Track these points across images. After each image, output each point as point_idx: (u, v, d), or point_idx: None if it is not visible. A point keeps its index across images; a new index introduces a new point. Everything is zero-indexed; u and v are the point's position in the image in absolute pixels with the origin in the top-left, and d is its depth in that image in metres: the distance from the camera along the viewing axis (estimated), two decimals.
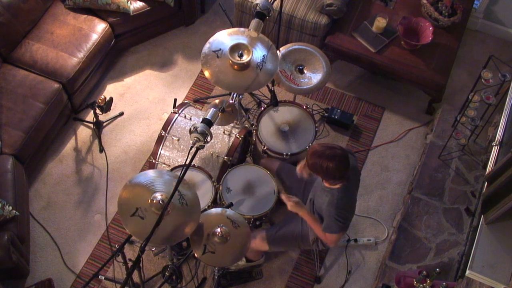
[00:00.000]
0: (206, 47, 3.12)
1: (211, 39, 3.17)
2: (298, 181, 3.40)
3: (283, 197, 3.15)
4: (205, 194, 3.35)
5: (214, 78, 3.13)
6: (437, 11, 4.31)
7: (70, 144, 4.17)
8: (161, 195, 2.72)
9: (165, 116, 4.18)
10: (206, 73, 3.11)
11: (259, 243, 3.33)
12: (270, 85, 3.83)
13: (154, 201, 2.71)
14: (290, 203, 3.09)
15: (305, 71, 3.71)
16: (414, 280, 3.13)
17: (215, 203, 3.37)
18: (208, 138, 2.66)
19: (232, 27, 3.55)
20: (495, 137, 3.08)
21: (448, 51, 4.28)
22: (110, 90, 4.46)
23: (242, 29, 3.26)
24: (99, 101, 3.88)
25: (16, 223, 3.38)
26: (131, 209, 2.69)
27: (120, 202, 2.73)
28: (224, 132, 3.57)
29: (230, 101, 3.54)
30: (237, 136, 3.55)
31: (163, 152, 3.52)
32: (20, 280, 3.59)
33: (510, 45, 4.84)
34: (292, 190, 3.42)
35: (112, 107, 4.06)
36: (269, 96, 4.03)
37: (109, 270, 3.65)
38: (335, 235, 2.97)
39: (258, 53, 3.18)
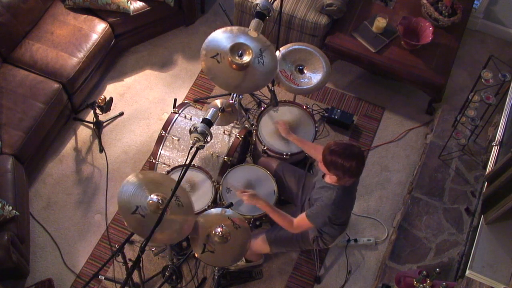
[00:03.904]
0: (203, 54, 3.11)
1: (204, 45, 3.15)
2: (297, 180, 3.41)
3: (238, 193, 3.17)
4: (205, 194, 3.35)
5: (215, 80, 3.14)
6: (437, 11, 4.31)
7: (70, 144, 4.17)
8: (158, 196, 2.72)
9: (165, 116, 4.18)
10: (206, 72, 3.11)
11: (260, 245, 3.34)
12: (270, 85, 3.83)
13: (151, 202, 2.71)
14: (245, 197, 3.10)
15: (305, 71, 3.71)
16: (414, 280, 3.13)
17: (215, 203, 3.36)
18: (208, 138, 2.66)
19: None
20: (495, 137, 3.07)
21: (448, 51, 4.28)
22: (110, 90, 4.46)
23: (235, 27, 3.26)
24: (99, 101, 3.89)
25: (16, 223, 3.37)
26: (131, 207, 2.69)
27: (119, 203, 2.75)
28: (224, 132, 3.57)
29: (230, 101, 3.55)
30: (237, 136, 3.55)
31: (163, 152, 3.52)
32: (20, 280, 3.59)
33: (510, 45, 4.84)
34: (290, 189, 3.42)
35: (112, 107, 4.06)
36: (269, 96, 4.03)
37: (109, 270, 3.65)
38: (307, 225, 2.99)
39: (255, 48, 3.17)
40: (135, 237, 3.64)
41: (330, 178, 2.94)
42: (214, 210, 3.06)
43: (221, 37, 3.18)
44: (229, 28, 3.24)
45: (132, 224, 2.66)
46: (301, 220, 3.01)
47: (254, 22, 3.09)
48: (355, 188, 3.05)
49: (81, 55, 4.07)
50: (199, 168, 3.42)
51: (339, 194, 2.88)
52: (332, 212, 2.89)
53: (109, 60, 4.45)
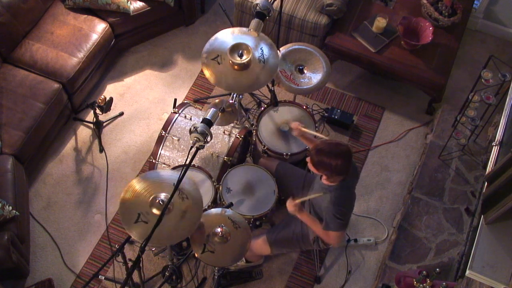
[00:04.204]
0: (204, 57, 3.11)
1: (205, 49, 3.15)
2: (297, 181, 3.41)
3: (292, 202, 3.13)
4: (205, 194, 3.34)
5: (219, 83, 3.15)
6: (437, 11, 4.31)
7: (70, 144, 4.17)
8: (164, 195, 2.73)
9: (165, 116, 4.18)
10: (209, 77, 3.12)
11: (261, 246, 3.34)
12: (270, 85, 3.83)
13: (157, 200, 2.71)
14: (292, 207, 3.07)
15: (305, 71, 3.71)
16: (414, 280, 3.13)
17: (215, 203, 3.37)
18: (208, 138, 2.66)
19: (232, 27, 3.55)
20: (495, 137, 3.07)
21: (448, 51, 4.28)
22: (110, 90, 4.46)
23: (236, 29, 3.27)
24: (99, 101, 3.89)
25: (16, 223, 3.37)
26: (133, 216, 2.70)
27: (122, 205, 2.74)
28: (224, 132, 3.57)
29: (230, 101, 3.55)
30: (237, 136, 3.55)
31: (163, 152, 3.52)
32: (20, 280, 3.59)
33: (510, 45, 4.84)
34: (291, 189, 3.42)
35: (112, 107, 4.06)
36: (269, 96, 4.03)
37: (109, 270, 3.65)
38: (336, 233, 2.98)
39: (255, 47, 3.18)
40: (128, 232, 3.64)
41: (326, 180, 2.95)
42: (214, 210, 3.06)
43: (221, 39, 3.18)
44: (230, 29, 3.24)
45: (138, 233, 2.67)
46: (326, 235, 3.03)
47: (254, 22, 3.09)
48: (354, 186, 3.06)
49: (81, 55, 4.07)
50: (199, 168, 3.42)
51: (338, 194, 2.90)
52: (335, 211, 2.89)
53: (109, 60, 4.45)
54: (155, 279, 3.60)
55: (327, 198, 2.92)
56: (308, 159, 2.91)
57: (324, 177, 2.95)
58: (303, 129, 3.33)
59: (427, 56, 4.22)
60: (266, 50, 3.17)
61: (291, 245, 3.33)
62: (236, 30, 3.25)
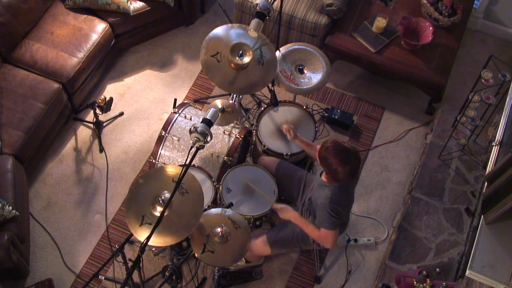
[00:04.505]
0: (203, 52, 3.11)
1: (204, 43, 3.15)
2: (297, 180, 3.41)
3: (275, 207, 3.23)
4: (205, 194, 3.34)
5: (217, 82, 3.15)
6: (437, 11, 4.32)
7: (70, 144, 4.17)
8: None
9: (165, 116, 4.18)
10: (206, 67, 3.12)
11: (261, 247, 3.34)
12: (270, 85, 3.83)
13: (163, 197, 2.72)
14: (280, 211, 3.17)
15: (305, 71, 3.71)
16: (414, 280, 3.13)
17: (215, 203, 3.36)
18: (208, 138, 2.66)
19: None
20: (495, 137, 3.08)
21: (448, 51, 4.28)
22: (110, 90, 4.46)
23: (236, 25, 3.26)
24: (99, 101, 3.89)
25: (16, 223, 3.37)
26: (138, 219, 2.70)
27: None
28: (224, 132, 3.57)
29: (230, 101, 3.55)
30: (237, 136, 3.55)
31: (163, 152, 3.52)
32: (20, 280, 3.59)
33: (510, 45, 4.84)
34: (290, 189, 3.43)
35: (112, 107, 4.06)
36: (269, 96, 4.03)
37: (109, 270, 3.65)
38: (330, 232, 2.98)
39: (255, 48, 3.17)
40: (135, 237, 3.64)
41: (326, 177, 2.95)
42: (214, 210, 3.06)
43: (222, 35, 3.17)
44: (230, 25, 3.24)
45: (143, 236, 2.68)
46: (320, 236, 3.03)
47: (254, 22, 3.09)
48: (353, 187, 3.05)
49: (81, 55, 4.07)
50: (199, 168, 3.42)
51: (335, 192, 2.90)
52: (330, 209, 2.89)
53: (109, 60, 4.45)
54: (155, 279, 3.60)
55: (324, 194, 2.92)
56: (318, 147, 2.91)
57: (323, 174, 2.96)
58: (292, 132, 3.37)
59: (427, 56, 4.22)
60: (265, 52, 3.17)
61: (291, 245, 3.33)
62: (236, 26, 3.24)
